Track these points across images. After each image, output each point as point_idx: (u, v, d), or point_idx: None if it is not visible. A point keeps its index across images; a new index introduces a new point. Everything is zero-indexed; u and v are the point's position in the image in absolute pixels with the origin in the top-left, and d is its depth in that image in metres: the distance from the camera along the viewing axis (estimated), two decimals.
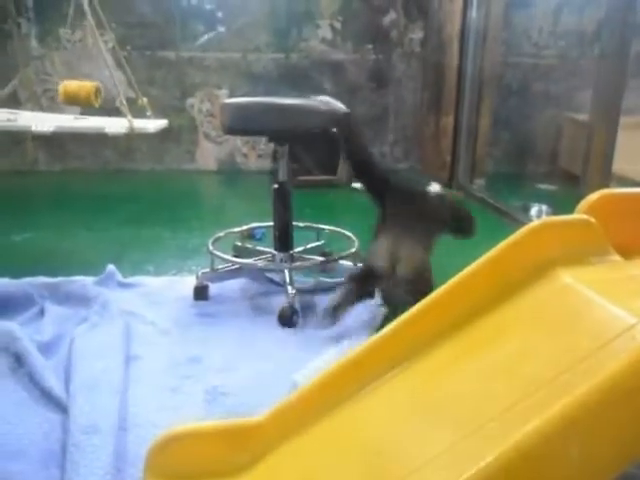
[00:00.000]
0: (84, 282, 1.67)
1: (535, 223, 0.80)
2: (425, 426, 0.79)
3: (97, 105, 2.27)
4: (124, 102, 1.99)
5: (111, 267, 1.77)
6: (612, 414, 0.53)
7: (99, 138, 3.83)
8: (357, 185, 3.33)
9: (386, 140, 3.99)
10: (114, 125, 1.98)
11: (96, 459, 0.94)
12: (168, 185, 3.67)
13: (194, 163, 3.96)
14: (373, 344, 0.92)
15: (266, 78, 3.85)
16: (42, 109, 3.80)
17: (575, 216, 0.84)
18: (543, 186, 3.35)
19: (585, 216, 0.84)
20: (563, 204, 0.91)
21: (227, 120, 1.58)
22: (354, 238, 1.87)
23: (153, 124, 2.14)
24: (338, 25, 3.82)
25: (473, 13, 3.07)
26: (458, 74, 3.16)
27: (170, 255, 2.13)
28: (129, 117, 1.95)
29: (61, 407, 1.12)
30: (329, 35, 3.83)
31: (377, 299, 1.66)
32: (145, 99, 2.40)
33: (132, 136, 3.64)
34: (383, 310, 1.56)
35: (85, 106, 2.30)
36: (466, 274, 0.85)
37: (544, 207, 2.77)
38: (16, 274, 1.77)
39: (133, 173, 3.91)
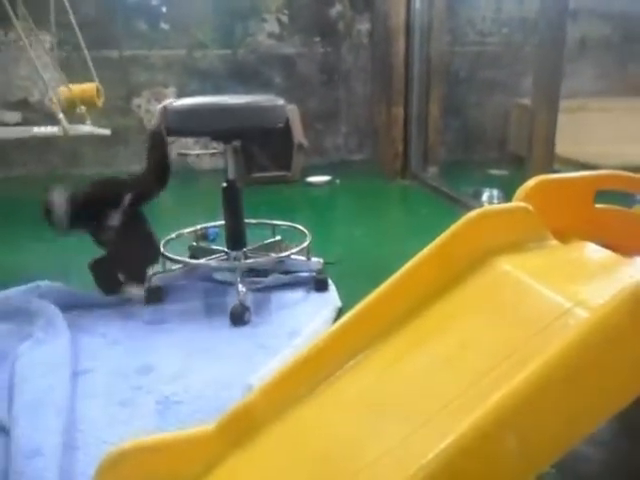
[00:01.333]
0: (24, 296, 1.60)
1: (472, 213, 0.81)
2: (376, 422, 0.79)
3: (100, 105, 2.30)
4: (55, 100, 1.93)
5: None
6: (546, 402, 0.53)
7: (43, 144, 3.69)
8: (312, 180, 3.33)
9: (339, 132, 3.99)
10: (46, 128, 1.91)
11: None
12: None
13: (144, 164, 3.87)
14: (322, 342, 0.91)
15: (214, 75, 3.79)
16: None
17: (512, 204, 0.85)
18: (494, 171, 3.42)
19: (522, 203, 0.85)
20: (514, 188, 0.92)
21: (171, 123, 1.55)
22: (306, 232, 1.85)
23: (91, 128, 2.08)
24: (285, 19, 3.78)
25: (417, 3, 3.09)
26: (405, 64, 3.17)
27: None
28: (60, 116, 1.89)
29: (4, 431, 1.07)
30: (276, 29, 3.79)
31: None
32: (84, 107, 2.34)
33: (74, 140, 3.53)
34: None
35: (88, 107, 2.29)
36: (409, 267, 0.84)
37: (495, 192, 2.82)
38: None
39: (80, 178, 3.78)
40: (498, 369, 0.60)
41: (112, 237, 1.59)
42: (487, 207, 0.84)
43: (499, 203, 2.71)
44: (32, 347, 1.33)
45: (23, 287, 1.66)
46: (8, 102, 3.67)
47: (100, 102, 2.39)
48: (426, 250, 0.86)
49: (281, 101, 1.66)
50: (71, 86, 2.38)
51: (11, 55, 3.55)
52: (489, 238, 0.81)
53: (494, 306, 0.73)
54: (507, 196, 2.70)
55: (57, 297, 1.62)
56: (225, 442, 0.90)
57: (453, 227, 0.83)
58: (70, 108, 2.41)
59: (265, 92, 3.75)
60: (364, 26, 3.85)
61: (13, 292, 1.63)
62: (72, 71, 3.74)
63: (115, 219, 1.58)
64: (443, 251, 0.84)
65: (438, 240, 0.86)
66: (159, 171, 1.71)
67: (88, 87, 2.38)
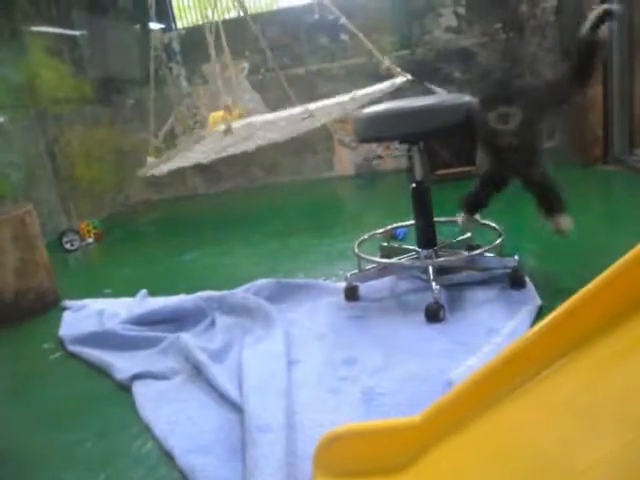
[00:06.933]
0: (244, 294, 1.84)
1: None
2: (589, 428, 0.76)
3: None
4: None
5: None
6: None
7: (246, 158, 4.15)
8: None
9: None
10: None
11: (271, 454, 1.03)
12: (310, 194, 3.85)
13: (332, 170, 4.11)
14: (525, 342, 0.90)
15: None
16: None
17: None
18: None
19: None
20: None
21: (359, 130, 1.65)
22: (498, 229, 1.81)
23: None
24: (462, 10, 3.70)
25: None
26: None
27: (318, 261, 2.24)
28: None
29: (237, 408, 1.26)
30: (454, 22, 3.73)
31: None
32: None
33: (271, 152, 3.89)
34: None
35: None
36: (620, 265, 0.79)
37: None
38: (188, 290, 2.01)
39: (277, 186, 4.18)
40: None
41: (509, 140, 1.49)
42: None
43: None
44: (255, 342, 1.53)
45: (242, 287, 1.91)
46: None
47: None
48: None
49: (466, 98, 1.65)
50: (215, 113, 2.67)
51: (217, 84, 4.06)
52: None
53: None
54: None
55: (269, 293, 1.83)
56: (431, 433, 0.95)
57: None
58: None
59: (445, 88, 3.72)
60: (549, 3, 3.58)
61: (234, 291, 1.89)
62: (266, 90, 4.14)
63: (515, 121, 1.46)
64: None
65: None
66: (581, 76, 1.46)
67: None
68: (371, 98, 2.07)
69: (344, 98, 2.20)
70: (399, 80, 2.28)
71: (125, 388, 1.47)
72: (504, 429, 0.88)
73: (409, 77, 2.31)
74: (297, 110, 2.27)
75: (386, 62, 2.43)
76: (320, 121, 2.08)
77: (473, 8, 3.68)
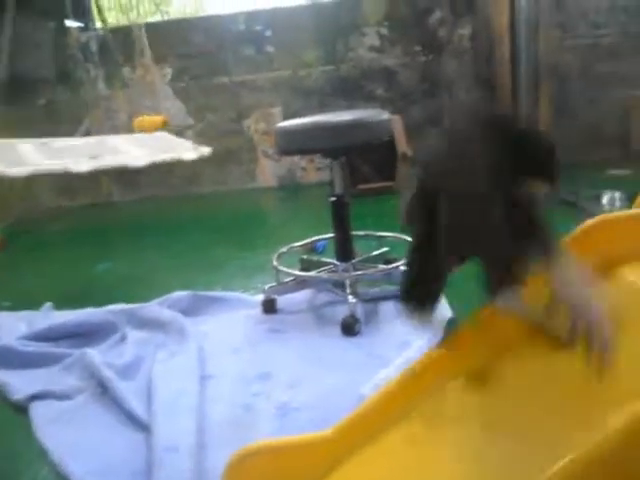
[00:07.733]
0: (157, 307, 1.77)
1: (591, 220, 0.78)
2: (494, 436, 0.78)
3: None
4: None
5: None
6: None
7: (166, 167, 4.02)
8: None
9: None
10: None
11: (178, 475, 0.99)
12: (232, 205, 3.79)
13: (255, 182, 4.08)
14: (435, 353, 0.93)
15: (318, 92, 3.91)
16: None
17: (635, 210, 0.81)
18: (615, 171, 3.18)
19: None
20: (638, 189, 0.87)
21: (281, 143, 1.64)
22: None
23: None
24: (385, 31, 3.82)
25: (522, 1, 2.98)
26: (512, 64, 3.07)
27: (237, 274, 2.20)
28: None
29: (144, 427, 1.19)
30: (377, 42, 3.84)
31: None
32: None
33: (193, 162, 3.81)
34: None
35: None
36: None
37: (617, 194, 2.64)
38: (99, 302, 1.91)
39: (198, 196, 4.08)
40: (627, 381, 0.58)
41: None
42: (608, 214, 0.80)
43: (622, 206, 2.52)
44: (168, 357, 1.47)
45: (156, 300, 1.83)
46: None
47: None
48: None
49: (386, 115, 1.69)
50: (141, 118, 2.65)
51: (138, 89, 3.92)
52: (611, 247, 0.77)
53: (621, 318, 0.70)
54: (630, 198, 2.50)
55: (184, 306, 1.77)
56: (343, 447, 0.94)
57: (570, 236, 0.81)
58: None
59: (368, 104, 3.82)
60: (466, 30, 3.78)
61: (147, 304, 1.81)
62: (190, 98, 4.06)
63: None
64: None
65: None
66: None
67: (157, 119, 2.64)
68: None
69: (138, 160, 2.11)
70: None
71: (22, 409, 1.36)
72: (413, 441, 0.90)
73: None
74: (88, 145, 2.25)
75: None
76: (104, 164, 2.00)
77: (395, 29, 3.81)
